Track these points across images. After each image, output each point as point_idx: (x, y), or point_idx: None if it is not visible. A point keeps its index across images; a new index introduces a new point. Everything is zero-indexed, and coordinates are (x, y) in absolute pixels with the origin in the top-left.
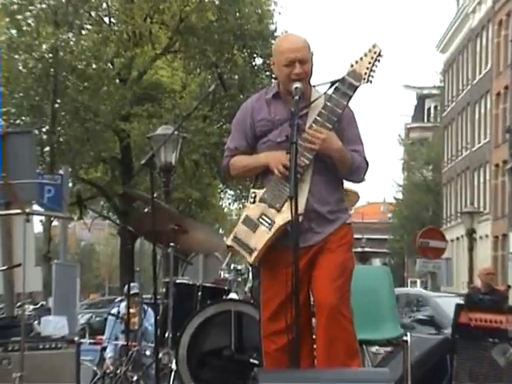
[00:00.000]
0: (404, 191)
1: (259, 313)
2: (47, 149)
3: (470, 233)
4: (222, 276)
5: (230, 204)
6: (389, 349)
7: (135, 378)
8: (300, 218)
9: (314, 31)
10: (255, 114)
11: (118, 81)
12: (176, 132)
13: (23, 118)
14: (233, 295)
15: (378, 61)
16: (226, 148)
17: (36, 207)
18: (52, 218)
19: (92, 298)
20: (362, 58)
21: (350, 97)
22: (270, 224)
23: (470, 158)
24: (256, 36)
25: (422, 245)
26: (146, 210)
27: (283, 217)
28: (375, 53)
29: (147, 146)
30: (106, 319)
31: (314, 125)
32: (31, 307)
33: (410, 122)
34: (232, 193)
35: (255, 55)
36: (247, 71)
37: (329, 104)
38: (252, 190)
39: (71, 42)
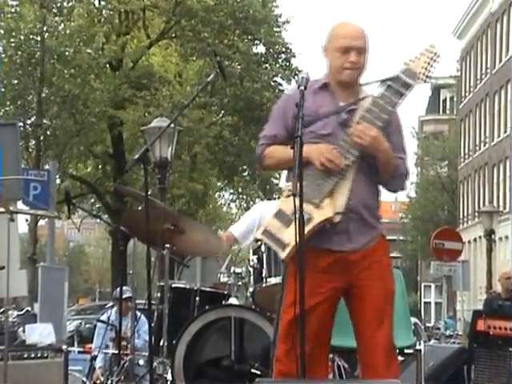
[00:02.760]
0: (417, 189)
1: (278, 314)
2: (33, 142)
3: (489, 234)
4: (221, 280)
5: (228, 204)
6: (401, 358)
7: None
8: (338, 218)
9: (322, 16)
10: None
11: (109, 68)
12: (172, 125)
13: (6, 108)
14: (233, 300)
15: (435, 61)
16: (261, 136)
17: (21, 205)
18: (38, 218)
19: (81, 303)
20: (417, 57)
21: (404, 95)
22: (306, 220)
23: (489, 153)
24: (259, 21)
25: (436, 246)
26: (139, 208)
27: (322, 213)
28: (432, 53)
29: (141, 138)
30: (95, 326)
31: (362, 120)
32: (15, 313)
33: (423, 114)
34: (231, 191)
35: (257, 42)
36: (249, 59)
37: (380, 101)
38: (287, 184)
39: (59, 27)
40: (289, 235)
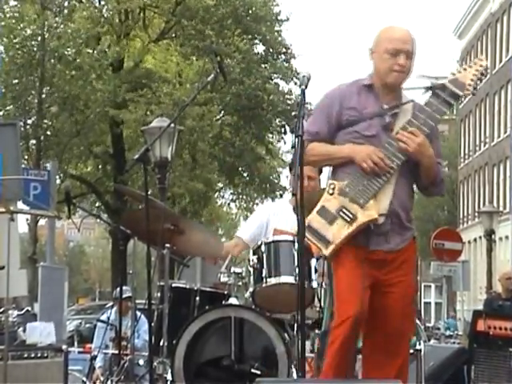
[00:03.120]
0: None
1: (330, 308)
2: (33, 142)
3: (489, 234)
4: (221, 280)
5: (228, 204)
6: None
7: None
8: (382, 219)
9: (322, 15)
10: (345, 102)
11: (110, 69)
12: (172, 124)
13: (7, 108)
14: (233, 300)
15: (484, 75)
16: (304, 131)
17: (21, 205)
18: (38, 217)
19: (81, 303)
20: (465, 69)
21: (452, 105)
22: (350, 219)
23: (489, 153)
24: (259, 19)
25: (436, 247)
26: (139, 207)
27: (367, 213)
28: (481, 66)
29: (141, 137)
30: (95, 326)
31: (408, 126)
32: (15, 313)
33: None
34: (231, 191)
35: (257, 41)
36: (249, 59)
37: (427, 108)
38: (330, 181)
39: (59, 28)
40: (333, 232)
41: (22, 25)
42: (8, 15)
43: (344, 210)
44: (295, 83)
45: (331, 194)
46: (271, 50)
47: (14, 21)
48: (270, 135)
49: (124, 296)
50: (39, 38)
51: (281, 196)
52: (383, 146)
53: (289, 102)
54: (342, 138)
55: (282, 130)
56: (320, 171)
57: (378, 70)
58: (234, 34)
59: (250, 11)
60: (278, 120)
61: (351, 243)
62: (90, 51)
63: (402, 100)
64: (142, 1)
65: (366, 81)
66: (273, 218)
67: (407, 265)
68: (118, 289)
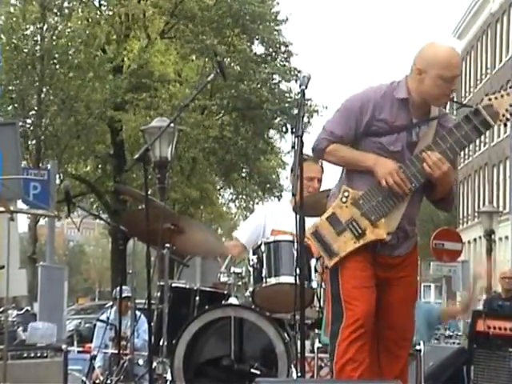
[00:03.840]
0: None
1: (339, 308)
2: (33, 142)
3: (489, 234)
4: (221, 279)
5: (228, 203)
6: None
7: None
8: (389, 238)
9: (320, 15)
10: (377, 112)
11: (109, 68)
12: (172, 124)
13: (7, 108)
14: (233, 300)
15: None
16: (327, 129)
17: (21, 205)
18: (38, 217)
19: (81, 302)
20: (502, 96)
21: (481, 134)
22: (358, 234)
23: (489, 153)
24: (257, 17)
25: (436, 247)
26: (139, 207)
27: (376, 232)
28: None
29: (141, 138)
30: (95, 326)
31: (433, 147)
32: (15, 313)
33: None
34: (231, 191)
35: (256, 41)
36: (247, 58)
37: (456, 132)
38: (345, 188)
39: (60, 27)
40: (339, 244)
41: (21, 25)
42: (8, 14)
43: (354, 224)
44: (296, 81)
45: (344, 202)
46: (270, 50)
47: (13, 20)
48: (271, 133)
49: (123, 296)
50: (39, 38)
51: (280, 196)
52: (406, 163)
53: (289, 99)
54: (366, 144)
55: (284, 128)
56: (322, 170)
57: (428, 93)
58: (232, 34)
59: (249, 11)
60: (278, 119)
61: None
62: (89, 50)
63: (431, 113)
64: (143, 5)
65: (400, 94)
66: (270, 218)
67: (411, 267)
68: (117, 288)
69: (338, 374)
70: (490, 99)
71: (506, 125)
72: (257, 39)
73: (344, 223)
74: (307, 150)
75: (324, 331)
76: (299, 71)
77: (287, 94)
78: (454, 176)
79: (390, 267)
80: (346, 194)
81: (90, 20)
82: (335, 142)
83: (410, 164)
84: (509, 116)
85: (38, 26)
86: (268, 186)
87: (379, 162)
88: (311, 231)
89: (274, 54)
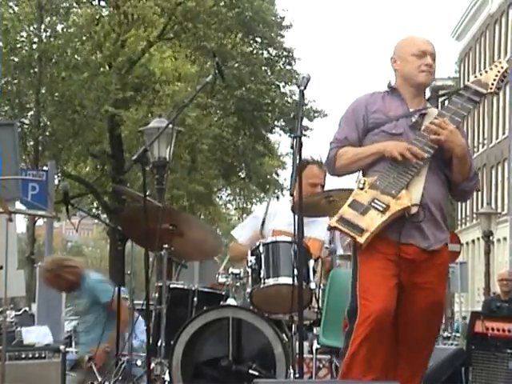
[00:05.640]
0: None
1: (354, 301)
2: (31, 142)
3: (487, 235)
4: (219, 280)
5: (225, 204)
6: None
7: None
8: (415, 209)
9: (323, 19)
10: (369, 106)
11: (107, 67)
12: (170, 125)
13: (5, 108)
14: (231, 301)
15: (505, 76)
16: (333, 140)
17: (19, 205)
18: (36, 218)
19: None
20: (487, 71)
21: (476, 102)
22: (384, 208)
23: (487, 154)
24: (264, 23)
25: None
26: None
27: (400, 202)
28: (502, 68)
29: (140, 138)
30: None
31: (433, 121)
32: (13, 313)
33: None
34: (229, 191)
35: (259, 45)
36: (252, 61)
37: (451, 106)
38: (360, 177)
39: (58, 27)
40: (366, 222)
41: (17, 27)
42: (5, 15)
43: (376, 201)
44: (298, 86)
45: (362, 189)
46: (274, 54)
47: (10, 20)
48: (271, 135)
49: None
50: (36, 39)
51: (282, 194)
52: (411, 142)
53: (290, 102)
54: (369, 139)
55: (283, 131)
56: (325, 175)
57: (406, 74)
58: (236, 37)
59: (256, 16)
60: (280, 121)
61: (382, 236)
62: (86, 50)
63: (425, 105)
64: (142, 5)
65: (390, 86)
66: (270, 217)
67: (439, 270)
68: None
69: (345, 373)
70: (475, 76)
71: (497, 93)
72: (261, 43)
73: (366, 204)
74: (310, 153)
75: (323, 332)
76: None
77: (289, 99)
78: (464, 141)
79: (416, 265)
80: (362, 181)
81: (87, 20)
82: (342, 147)
83: (417, 142)
84: (497, 85)
85: (35, 26)
86: (268, 186)
87: (388, 143)
88: (336, 219)
89: (276, 57)
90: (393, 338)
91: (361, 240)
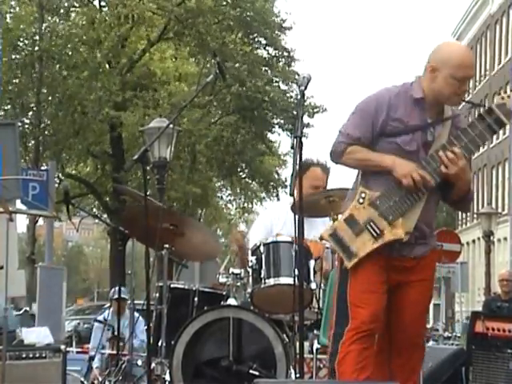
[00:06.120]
0: None
1: (345, 310)
2: (32, 142)
3: (488, 235)
4: (219, 280)
5: (226, 204)
6: None
7: None
8: (407, 238)
9: (322, 19)
10: (391, 111)
11: (107, 66)
12: (171, 125)
13: (5, 108)
14: (231, 301)
15: None
16: (344, 132)
17: (20, 205)
18: (37, 218)
19: (79, 303)
20: None
21: (495, 133)
22: (377, 234)
23: (488, 154)
24: (265, 23)
25: None
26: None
27: (394, 232)
28: None
29: (140, 138)
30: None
31: (448, 146)
32: (14, 313)
33: None
34: (230, 192)
35: (258, 45)
36: (251, 60)
37: (470, 132)
38: (361, 189)
39: (58, 27)
40: (357, 245)
41: (19, 25)
42: (7, 15)
43: (372, 224)
44: (299, 86)
45: (361, 204)
46: (274, 54)
47: (11, 21)
48: (271, 134)
49: (116, 297)
50: (37, 38)
51: (283, 192)
52: (421, 163)
53: (290, 100)
54: (382, 146)
55: (284, 127)
56: (328, 176)
57: (439, 91)
58: (236, 36)
59: (257, 16)
60: (279, 119)
61: (377, 254)
62: (87, 50)
63: (445, 114)
64: (143, 6)
65: (416, 93)
66: (275, 221)
67: (426, 271)
68: (113, 290)
69: (340, 375)
70: (502, 98)
71: None
72: (262, 43)
73: (362, 224)
74: (314, 154)
75: (324, 332)
76: (300, 75)
77: (288, 95)
78: (470, 176)
79: (405, 270)
80: (362, 195)
81: (88, 20)
82: (353, 144)
83: (426, 164)
84: None
85: (36, 26)
86: (271, 184)
87: (398, 162)
88: (329, 233)
89: (276, 57)
90: (385, 337)
91: (349, 264)
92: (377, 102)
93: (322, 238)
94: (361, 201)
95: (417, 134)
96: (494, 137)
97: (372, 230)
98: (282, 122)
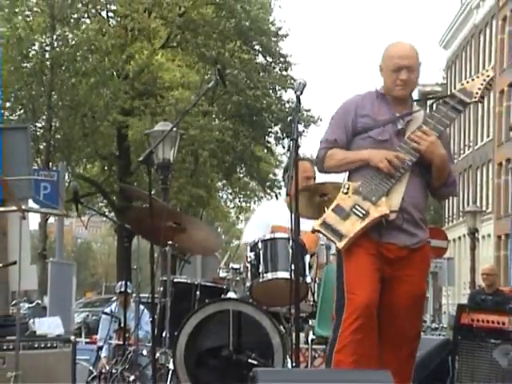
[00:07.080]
0: None
1: (341, 298)
2: (43, 145)
3: (473, 232)
4: (220, 275)
5: (227, 202)
6: None
7: (132, 379)
8: (394, 216)
9: (315, 27)
10: (359, 110)
11: (115, 75)
12: (174, 128)
13: (18, 113)
14: (231, 294)
15: (490, 85)
16: (323, 140)
17: (32, 204)
18: (48, 216)
19: (88, 296)
20: (473, 79)
21: (460, 111)
22: (363, 214)
23: (473, 156)
24: (260, 32)
25: None
26: (144, 206)
27: (379, 209)
28: (488, 76)
29: (146, 142)
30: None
31: (418, 130)
32: (26, 306)
33: None
34: (229, 191)
35: (257, 52)
36: (250, 68)
37: (436, 114)
38: (345, 182)
39: (69, 36)
40: (346, 227)
41: (30, 35)
42: (18, 25)
43: (357, 207)
44: (295, 91)
45: (345, 194)
46: (270, 60)
47: (23, 30)
48: (269, 139)
49: (123, 290)
50: (48, 47)
51: (279, 193)
52: (396, 149)
53: (287, 109)
54: (356, 143)
55: (281, 135)
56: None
57: (386, 86)
58: (235, 45)
59: (253, 25)
60: (278, 127)
61: (364, 237)
62: (95, 57)
63: (412, 110)
64: (148, 18)
65: (378, 91)
66: (272, 216)
67: (419, 266)
68: (119, 284)
69: (335, 363)
70: (462, 84)
71: (481, 102)
72: (258, 50)
73: (348, 209)
74: (301, 151)
75: (319, 324)
76: (296, 80)
77: (287, 104)
78: (444, 152)
79: (397, 262)
80: (346, 186)
81: (97, 30)
82: (332, 148)
83: (400, 149)
84: (481, 93)
85: (47, 35)
86: (268, 183)
87: (372, 152)
88: (319, 222)
89: (273, 64)
90: (377, 331)
91: (340, 245)
92: (346, 106)
93: (313, 231)
94: (345, 191)
95: (387, 126)
96: (479, 139)
97: (358, 212)
98: (278, 131)
